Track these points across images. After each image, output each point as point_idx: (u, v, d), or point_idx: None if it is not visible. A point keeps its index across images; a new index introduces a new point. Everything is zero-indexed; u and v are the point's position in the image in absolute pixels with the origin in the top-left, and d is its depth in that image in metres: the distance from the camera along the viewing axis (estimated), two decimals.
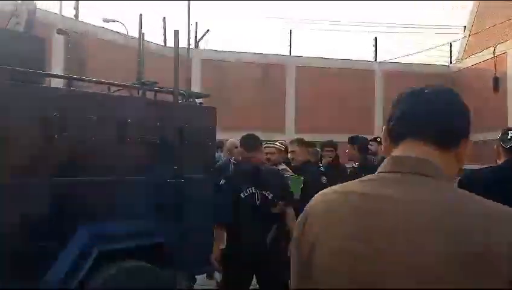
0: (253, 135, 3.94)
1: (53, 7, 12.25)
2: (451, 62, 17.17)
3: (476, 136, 15.27)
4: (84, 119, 3.57)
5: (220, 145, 7.04)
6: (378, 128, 15.70)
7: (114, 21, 14.93)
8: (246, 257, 3.51)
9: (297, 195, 4.24)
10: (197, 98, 4.90)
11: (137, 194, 3.93)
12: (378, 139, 6.60)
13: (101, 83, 4.11)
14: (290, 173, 4.67)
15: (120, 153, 3.87)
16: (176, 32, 4.17)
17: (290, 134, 15.25)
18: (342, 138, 12.88)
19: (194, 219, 4.12)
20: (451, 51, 17.24)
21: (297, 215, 3.76)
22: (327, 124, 14.99)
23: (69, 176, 3.50)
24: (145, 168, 4.04)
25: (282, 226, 3.63)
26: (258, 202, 3.57)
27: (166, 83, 4.33)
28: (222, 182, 3.73)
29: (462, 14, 17.28)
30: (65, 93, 3.83)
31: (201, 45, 15.42)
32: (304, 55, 16.20)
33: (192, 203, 4.24)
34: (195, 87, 14.94)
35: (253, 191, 3.57)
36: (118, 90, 4.46)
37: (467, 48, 15.99)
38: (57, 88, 4.34)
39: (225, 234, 3.70)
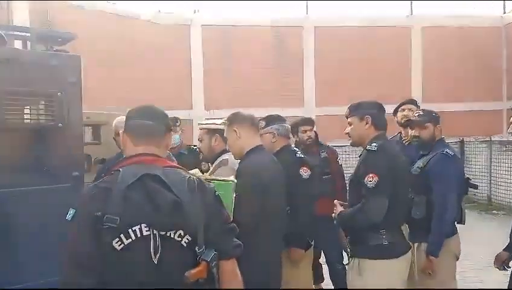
0: (150, 107, 1.85)
1: None
2: (505, 11, 14.18)
3: None
4: None
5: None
6: (416, 98, 13.13)
7: None
8: None
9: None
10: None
11: None
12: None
13: None
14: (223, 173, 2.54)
15: None
16: None
17: (309, 107, 13.00)
18: None
19: None
20: None
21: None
22: (353, 94, 12.49)
23: None
24: None
25: None
26: (155, 258, 1.58)
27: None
28: (69, 214, 1.63)
29: None
30: None
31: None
32: (324, 13, 13.72)
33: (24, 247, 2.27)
34: (196, 57, 12.96)
35: (145, 232, 1.58)
36: None
37: None
38: None
39: None
